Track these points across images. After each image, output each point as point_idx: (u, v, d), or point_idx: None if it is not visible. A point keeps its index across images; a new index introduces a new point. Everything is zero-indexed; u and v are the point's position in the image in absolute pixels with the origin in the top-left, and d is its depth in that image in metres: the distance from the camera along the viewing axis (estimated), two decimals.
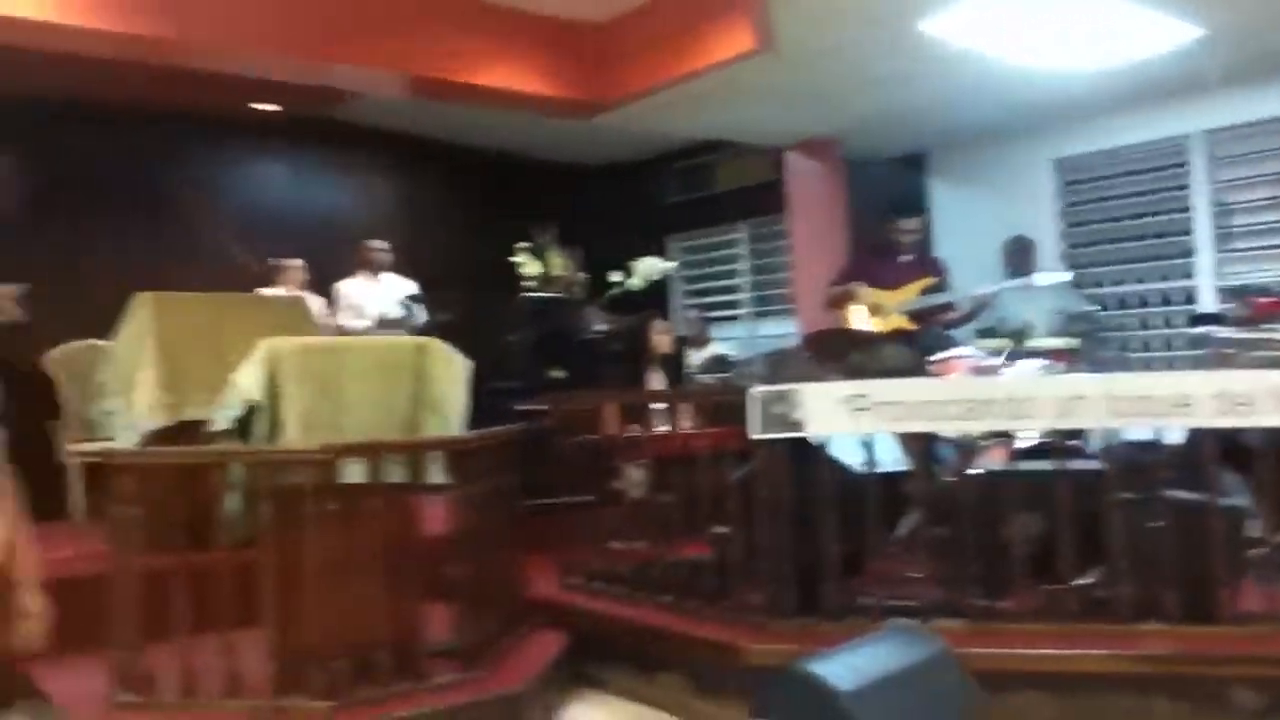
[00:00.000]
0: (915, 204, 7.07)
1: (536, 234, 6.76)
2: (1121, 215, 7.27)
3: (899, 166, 8.24)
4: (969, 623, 3.56)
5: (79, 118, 7.05)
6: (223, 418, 4.05)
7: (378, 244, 7.29)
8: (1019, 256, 6.38)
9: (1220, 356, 4.53)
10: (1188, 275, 6.95)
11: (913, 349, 5.44)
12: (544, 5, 6.23)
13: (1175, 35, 5.51)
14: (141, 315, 4.61)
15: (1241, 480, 3.66)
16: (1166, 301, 7.10)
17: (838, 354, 5.27)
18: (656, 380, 6.25)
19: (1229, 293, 6.17)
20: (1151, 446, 3.61)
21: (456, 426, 4.32)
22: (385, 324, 6.82)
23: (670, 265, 7.67)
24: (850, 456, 3.91)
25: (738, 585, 3.96)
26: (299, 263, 7.08)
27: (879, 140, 7.79)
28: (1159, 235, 7.10)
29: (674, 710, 3.89)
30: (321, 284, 7.14)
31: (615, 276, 6.75)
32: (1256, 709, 3.17)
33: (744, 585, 3.93)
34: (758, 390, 3.81)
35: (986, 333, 5.57)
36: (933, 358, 5.06)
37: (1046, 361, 4.93)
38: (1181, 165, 6.95)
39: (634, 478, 5.07)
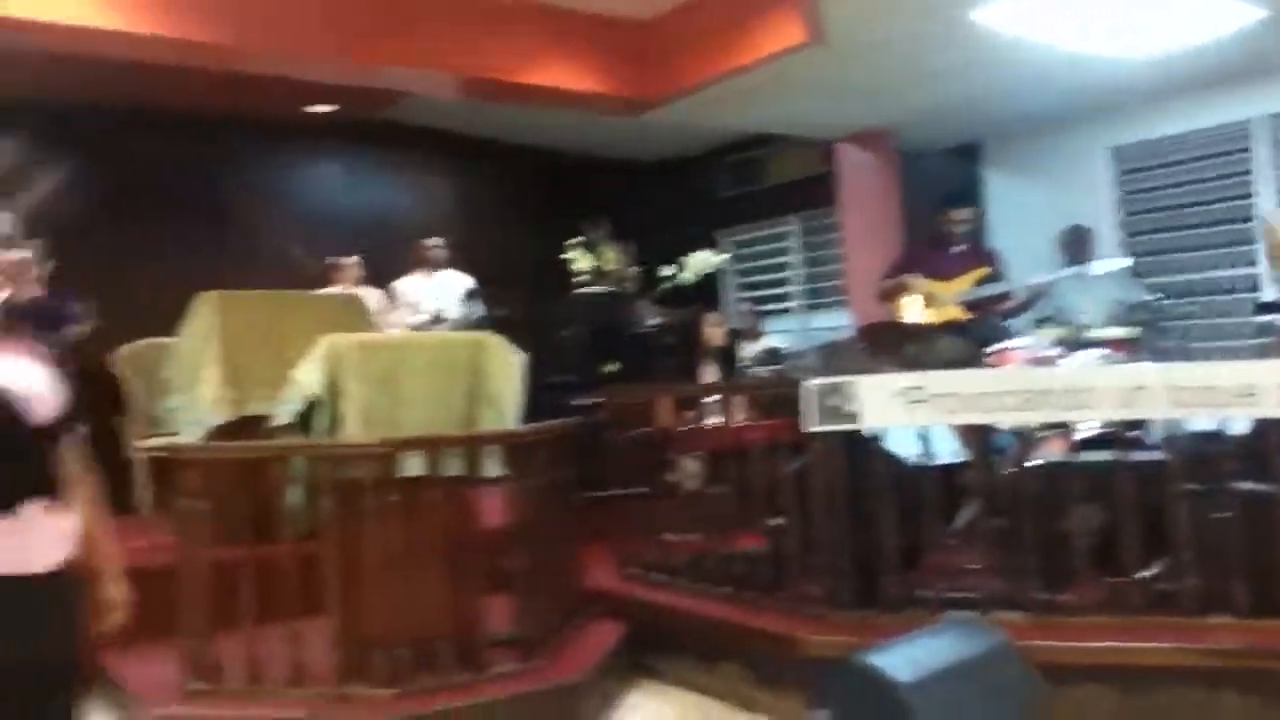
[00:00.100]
0: (968, 195, 7.00)
1: (589, 230, 6.80)
2: (1181, 202, 7.13)
3: (953, 157, 8.15)
4: (1029, 615, 3.53)
5: (142, 124, 7.21)
6: (284, 413, 4.12)
7: (433, 242, 7.36)
8: (1076, 246, 6.29)
9: None
10: (1251, 263, 6.80)
11: (968, 340, 5.39)
12: (592, 3, 6.25)
13: (1237, 17, 5.40)
14: (204, 314, 4.71)
15: None
16: (1229, 290, 6.96)
17: (892, 346, 5.24)
18: (709, 373, 6.26)
19: None
20: (1215, 437, 3.55)
21: (512, 421, 4.36)
22: (441, 320, 6.89)
23: (721, 259, 7.67)
24: (906, 448, 3.89)
25: (794, 577, 3.96)
26: (355, 261, 7.18)
27: (932, 131, 7.71)
28: (1221, 222, 6.95)
29: (732, 700, 3.90)
30: (378, 282, 7.23)
31: (667, 271, 6.77)
32: None
33: (800, 577, 3.93)
34: (812, 383, 3.80)
35: (1044, 323, 5.51)
36: (989, 349, 5.01)
37: (1106, 351, 4.86)
38: (1244, 150, 6.81)
39: (688, 470, 5.09)
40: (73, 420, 2.17)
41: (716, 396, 5.19)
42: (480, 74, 6.18)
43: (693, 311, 6.48)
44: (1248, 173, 6.79)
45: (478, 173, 8.90)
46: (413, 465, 3.62)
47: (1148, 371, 3.61)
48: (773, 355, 6.93)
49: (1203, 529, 3.41)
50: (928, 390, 3.66)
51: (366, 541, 3.48)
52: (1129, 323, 5.33)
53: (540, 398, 4.89)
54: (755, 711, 3.80)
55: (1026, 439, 4.08)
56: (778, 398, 4.36)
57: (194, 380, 4.66)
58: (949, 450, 4.09)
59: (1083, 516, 3.59)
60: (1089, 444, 4.18)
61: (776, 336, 8.01)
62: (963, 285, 6.01)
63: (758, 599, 4.06)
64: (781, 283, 9.34)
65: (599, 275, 6.61)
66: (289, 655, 3.48)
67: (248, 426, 4.42)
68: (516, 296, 6.82)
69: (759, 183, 9.26)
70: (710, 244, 8.35)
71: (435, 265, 7.31)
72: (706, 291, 7.73)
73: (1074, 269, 5.79)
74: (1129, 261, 6.13)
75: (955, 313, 6.01)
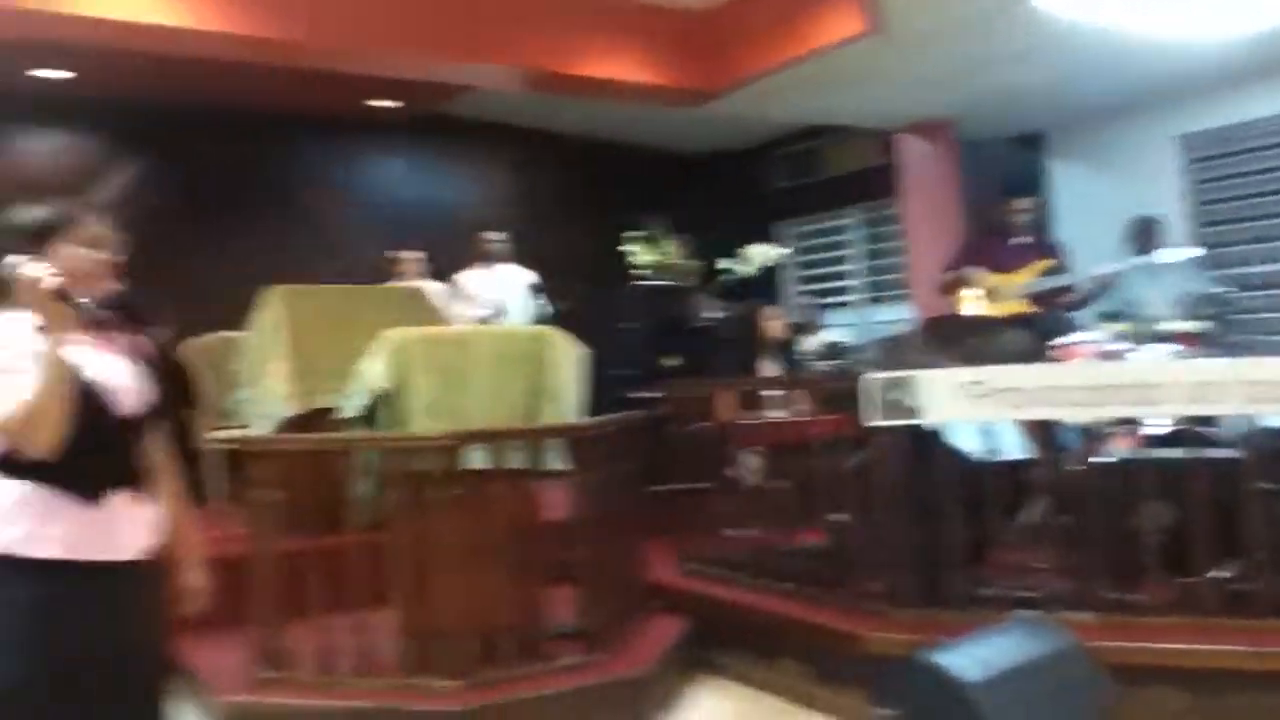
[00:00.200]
0: (1030, 185, 6.89)
1: (648, 223, 6.81)
2: (1253, 192, 6.95)
3: (1015, 147, 8.03)
4: (1097, 615, 3.48)
5: (210, 122, 7.35)
6: (351, 406, 4.18)
7: (494, 235, 7.42)
8: (1144, 237, 6.16)
9: None
10: None
11: (1032, 333, 5.32)
12: None
13: None
14: (272, 308, 4.80)
15: None
16: None
17: (955, 339, 5.18)
18: (768, 367, 6.23)
19: None
20: None
21: (574, 414, 4.39)
22: (503, 314, 6.94)
23: (781, 251, 7.64)
24: (969, 443, 3.85)
25: (855, 573, 3.94)
26: (419, 254, 7.26)
27: (994, 120, 7.60)
28: None
29: (793, 697, 3.90)
30: (441, 275, 7.31)
31: (726, 264, 6.76)
32: None
33: (861, 573, 3.91)
34: (873, 377, 3.78)
35: (1110, 316, 5.41)
36: (1053, 342, 4.94)
37: (1176, 346, 4.77)
38: None
39: (749, 464, 5.08)
40: (157, 413, 2.23)
41: (777, 391, 5.18)
42: (541, 66, 6.22)
43: (752, 305, 6.46)
44: None
45: (538, 166, 8.96)
46: (476, 458, 3.66)
47: (1219, 366, 3.54)
48: (833, 349, 6.88)
49: (1279, 529, 3.34)
50: (991, 384, 3.62)
51: (431, 533, 3.53)
52: (1198, 316, 5.22)
53: (601, 391, 4.92)
54: (816, 708, 3.79)
55: (1093, 435, 4.02)
56: (838, 392, 4.34)
57: (262, 373, 4.76)
58: (1013, 445, 4.04)
59: (1153, 514, 3.53)
60: (1159, 440, 4.11)
61: (836, 330, 7.96)
62: (1025, 277, 5.92)
63: (818, 595, 4.05)
64: (841, 275, 9.28)
65: (658, 269, 6.62)
66: (357, 645, 3.55)
67: (315, 419, 4.50)
68: (576, 290, 6.85)
69: (817, 174, 9.20)
70: (769, 236, 8.33)
71: (496, 259, 7.37)
72: (766, 285, 7.71)
73: (1140, 259, 5.68)
74: (1198, 251, 5.99)
75: (1018, 305, 5.93)
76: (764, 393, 5.29)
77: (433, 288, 6.80)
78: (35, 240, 2.09)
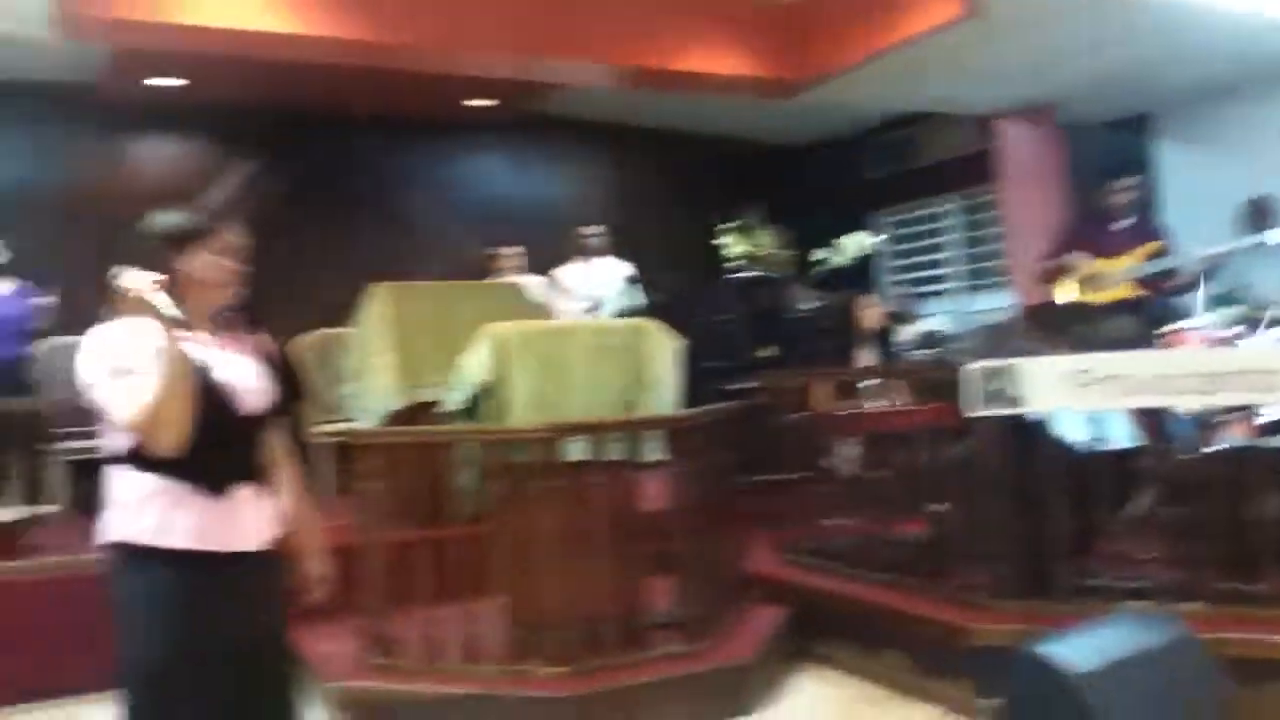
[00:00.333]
0: (1134, 168, 6.66)
1: (742, 214, 6.80)
2: None
3: (1119, 130, 7.81)
4: (1210, 606, 3.39)
5: (315, 125, 7.58)
6: (454, 399, 4.28)
7: (591, 230, 7.49)
8: (1258, 220, 5.92)
9: None
10: None
11: (1140, 319, 5.17)
12: None
13: None
14: (377, 305, 4.94)
15: None
16: None
17: (1059, 327, 5.08)
18: (865, 357, 6.18)
19: None
20: None
21: (671, 405, 4.43)
22: (601, 307, 7.01)
23: (876, 240, 7.56)
24: (1074, 433, 3.78)
25: (958, 564, 3.90)
26: (518, 250, 7.37)
27: (1097, 103, 7.40)
28: None
29: (897, 687, 3.88)
30: (540, 270, 7.41)
31: (821, 254, 6.72)
32: None
33: (964, 564, 3.87)
34: (975, 366, 3.73)
35: (1222, 300, 5.23)
36: (1162, 329, 4.80)
37: None
38: None
39: (847, 455, 5.06)
40: (278, 410, 2.33)
41: (874, 380, 5.14)
42: (634, 63, 6.27)
43: (848, 295, 6.41)
44: None
45: (631, 161, 9.01)
46: (575, 450, 3.72)
47: None
48: (930, 338, 6.80)
49: None
50: (1098, 372, 3.54)
51: (533, 524, 3.60)
52: None
53: (697, 383, 4.94)
54: (920, 699, 3.76)
55: (1205, 423, 3.90)
56: (937, 381, 4.30)
57: (368, 368, 4.90)
58: (1121, 434, 3.95)
59: (1271, 504, 3.42)
60: (1274, 428, 3.97)
61: (934, 319, 7.85)
62: (1130, 262, 5.74)
63: (920, 586, 4.02)
64: (939, 264, 9.14)
65: (753, 260, 6.60)
66: (463, 633, 3.63)
67: (420, 412, 4.62)
68: (672, 282, 6.88)
69: (914, 162, 9.08)
70: (865, 226, 8.24)
71: (594, 253, 7.44)
72: (862, 274, 7.63)
73: (1251, 239, 5.46)
74: None
75: (1124, 291, 5.76)
76: (861, 383, 5.25)
77: (532, 282, 6.90)
78: (176, 246, 2.19)
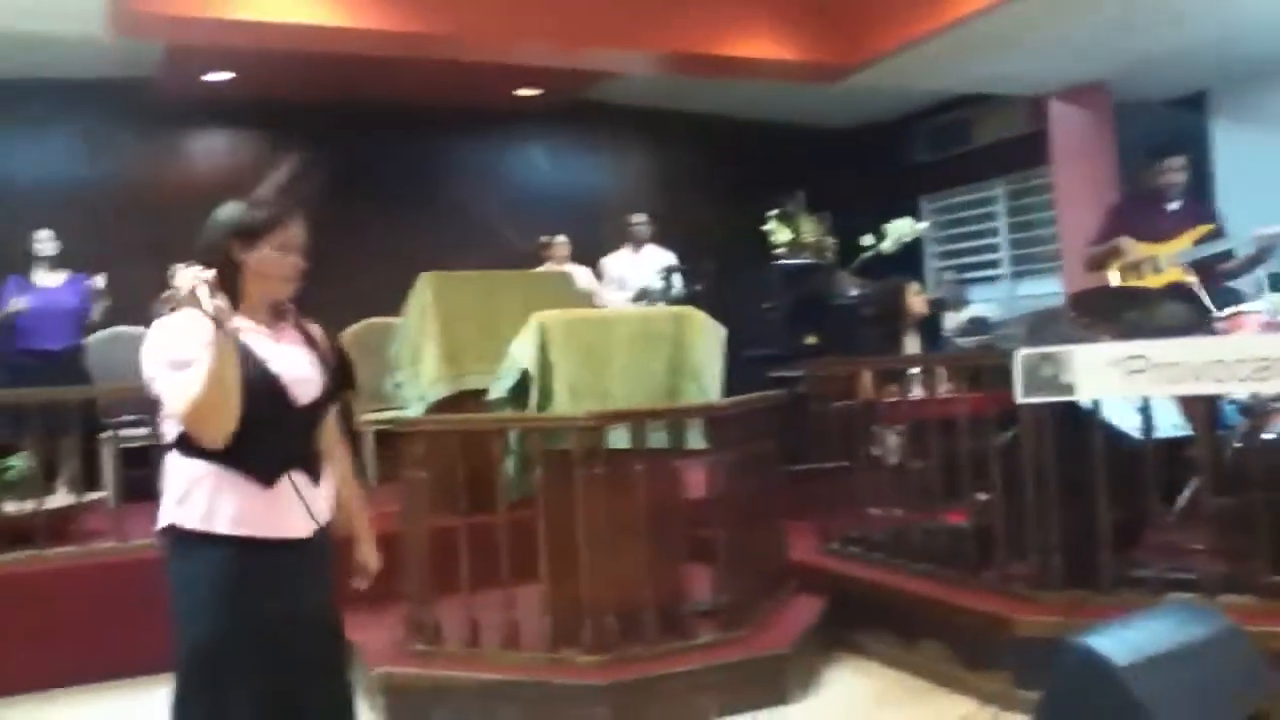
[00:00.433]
0: (1191, 148, 6.49)
1: (786, 200, 6.75)
2: None
3: (1174, 109, 7.64)
4: (1259, 599, 3.32)
5: (363, 116, 7.66)
6: (498, 387, 4.30)
7: (638, 218, 7.51)
8: None
9: None
10: None
11: (1194, 305, 5.06)
12: None
13: None
14: (424, 294, 4.98)
15: None
16: None
17: (1110, 313, 4.99)
18: (912, 345, 6.11)
19: None
20: None
21: (714, 394, 4.41)
22: (646, 295, 7.02)
23: (922, 226, 7.46)
24: (1124, 421, 3.71)
25: (1001, 554, 3.85)
26: (564, 239, 7.40)
27: (1151, 82, 7.26)
28: None
29: (936, 679, 3.84)
30: (585, 259, 7.43)
31: (866, 240, 6.65)
32: None
33: (1007, 554, 3.82)
34: (1023, 353, 3.67)
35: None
36: (1218, 314, 4.69)
37: None
38: None
39: (891, 443, 5.01)
40: (332, 400, 2.37)
41: (920, 368, 5.08)
42: (680, 49, 6.26)
43: (894, 281, 6.34)
44: None
45: (676, 148, 9.00)
46: (618, 437, 3.73)
47: None
48: (978, 325, 6.71)
49: None
50: (1150, 359, 3.46)
51: (575, 511, 3.61)
52: None
53: (740, 371, 4.91)
54: (960, 690, 3.72)
55: (1259, 411, 3.82)
56: (984, 369, 4.24)
57: (415, 357, 4.96)
58: (1171, 423, 3.88)
59: None
60: None
61: (982, 305, 7.75)
62: (1180, 245, 5.60)
63: (962, 576, 3.98)
64: (987, 249, 9.03)
65: (797, 246, 6.56)
66: (504, 620, 3.66)
67: (466, 400, 4.66)
68: (715, 270, 6.86)
69: (961, 145, 8.97)
70: (911, 211, 8.15)
71: (640, 241, 7.44)
72: (907, 261, 7.54)
73: None
74: None
75: (1176, 275, 5.62)
76: (907, 370, 5.20)
77: (579, 272, 6.92)
78: (242, 239, 2.22)
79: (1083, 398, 3.60)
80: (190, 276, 2.07)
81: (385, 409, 5.48)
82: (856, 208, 7.17)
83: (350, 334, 6.45)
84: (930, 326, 6.46)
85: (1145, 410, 3.57)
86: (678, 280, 7.02)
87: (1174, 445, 3.88)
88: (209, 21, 5.34)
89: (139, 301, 5.97)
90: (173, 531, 2.20)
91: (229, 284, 2.19)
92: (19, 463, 4.78)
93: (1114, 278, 5.50)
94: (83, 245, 6.27)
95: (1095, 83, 7.24)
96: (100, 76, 6.96)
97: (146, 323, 2.27)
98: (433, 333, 4.88)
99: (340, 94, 7.35)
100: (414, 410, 4.86)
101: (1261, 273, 5.47)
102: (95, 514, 4.94)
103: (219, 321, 2.03)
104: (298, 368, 2.27)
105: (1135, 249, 5.45)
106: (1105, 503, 3.53)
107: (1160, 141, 6.04)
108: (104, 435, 5.53)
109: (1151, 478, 3.53)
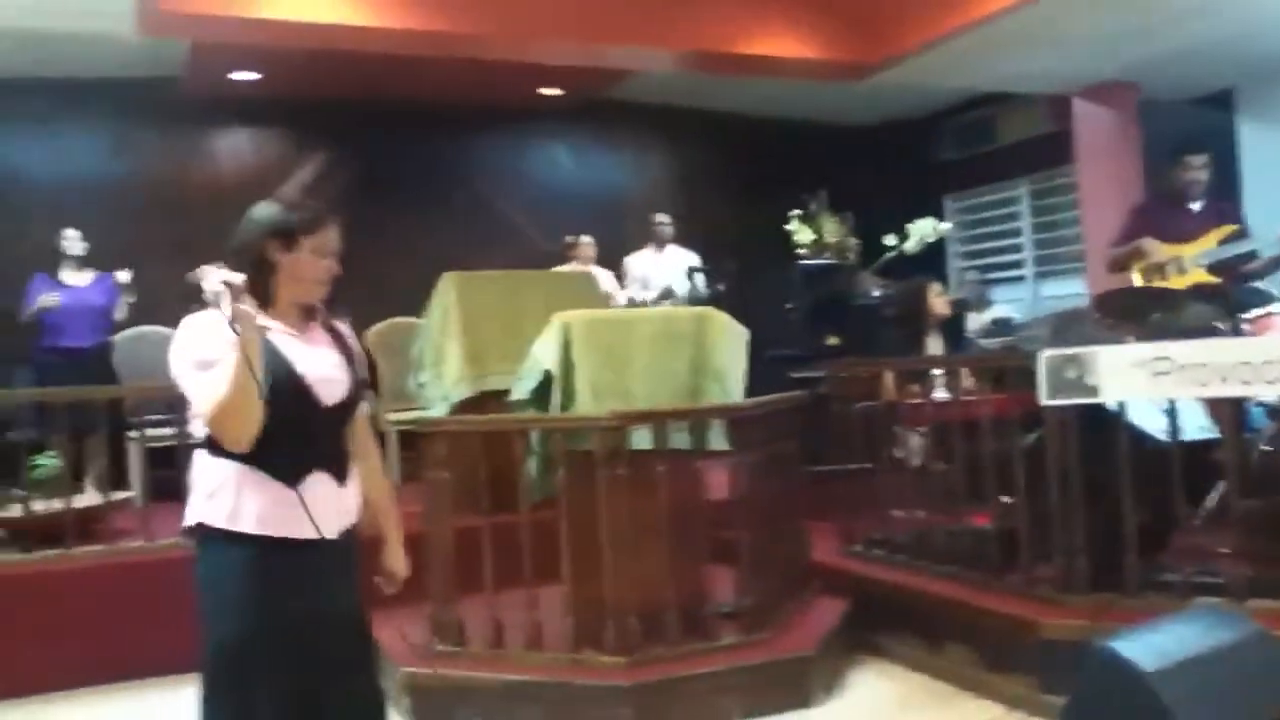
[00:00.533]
0: (1216, 146, 6.42)
1: (808, 200, 6.74)
2: None
3: (1201, 107, 7.57)
4: None
5: (386, 115, 7.68)
6: (521, 388, 4.31)
7: (661, 218, 7.51)
8: None
9: None
10: None
11: (1220, 306, 5.01)
12: None
13: None
14: (446, 294, 5.00)
15: None
16: None
17: (1135, 314, 4.95)
18: (934, 345, 6.09)
19: None
20: None
21: (736, 394, 4.41)
22: (670, 296, 7.02)
23: (946, 226, 7.44)
24: (1149, 423, 3.69)
25: (1026, 557, 3.83)
26: (589, 240, 7.42)
27: (1178, 80, 7.20)
28: None
29: (960, 682, 3.83)
30: (608, 258, 7.44)
31: (889, 240, 6.63)
32: None
33: (1032, 557, 3.80)
34: (1047, 354, 3.65)
35: None
36: (1246, 315, 4.64)
37: None
38: None
39: (914, 444, 4.99)
40: (360, 400, 2.37)
41: (943, 369, 5.06)
42: (702, 48, 6.26)
43: (916, 282, 6.32)
44: None
45: (696, 146, 8.99)
46: (641, 438, 3.73)
47: None
48: (1002, 326, 6.68)
49: None
50: (1176, 361, 3.44)
51: (598, 512, 3.62)
52: None
53: (762, 371, 4.90)
54: (984, 694, 3.71)
55: None
56: (1008, 370, 4.22)
57: (438, 357, 4.97)
58: (1198, 425, 3.84)
59: None
60: None
61: (1006, 306, 7.72)
62: (1203, 246, 5.54)
63: (986, 579, 3.96)
64: (1011, 249, 8.98)
65: (819, 246, 6.55)
66: (526, 620, 3.67)
67: (489, 400, 4.67)
68: (737, 269, 6.86)
69: (985, 144, 8.92)
70: (934, 211, 8.12)
71: (663, 240, 7.45)
72: (930, 261, 7.52)
73: None
74: None
75: (1200, 276, 5.57)
76: (929, 371, 5.17)
77: (601, 275, 6.93)
78: (281, 240, 2.22)
79: (1107, 400, 3.58)
80: (216, 279, 2.08)
81: (408, 409, 5.50)
82: (879, 207, 7.15)
83: (373, 333, 6.48)
84: (953, 327, 6.44)
85: (1171, 412, 3.54)
86: (700, 280, 7.02)
87: (1200, 448, 3.85)
88: (234, 20, 5.37)
89: (164, 300, 6.02)
90: (200, 530, 2.21)
91: (262, 284, 2.20)
92: (47, 461, 4.82)
93: (1136, 279, 5.45)
94: (108, 244, 6.32)
95: (1121, 80, 7.19)
96: (126, 76, 7.01)
97: (171, 322, 2.27)
98: (456, 333, 4.89)
99: (363, 93, 7.39)
100: (437, 410, 4.88)
101: None
102: (123, 513, 4.98)
103: (240, 330, 2.04)
104: (324, 368, 2.27)
105: (1159, 250, 5.39)
106: (1131, 505, 3.50)
107: (1184, 141, 5.99)
108: (131, 434, 5.57)
109: (1178, 480, 3.50)
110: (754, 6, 6.35)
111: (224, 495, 2.17)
